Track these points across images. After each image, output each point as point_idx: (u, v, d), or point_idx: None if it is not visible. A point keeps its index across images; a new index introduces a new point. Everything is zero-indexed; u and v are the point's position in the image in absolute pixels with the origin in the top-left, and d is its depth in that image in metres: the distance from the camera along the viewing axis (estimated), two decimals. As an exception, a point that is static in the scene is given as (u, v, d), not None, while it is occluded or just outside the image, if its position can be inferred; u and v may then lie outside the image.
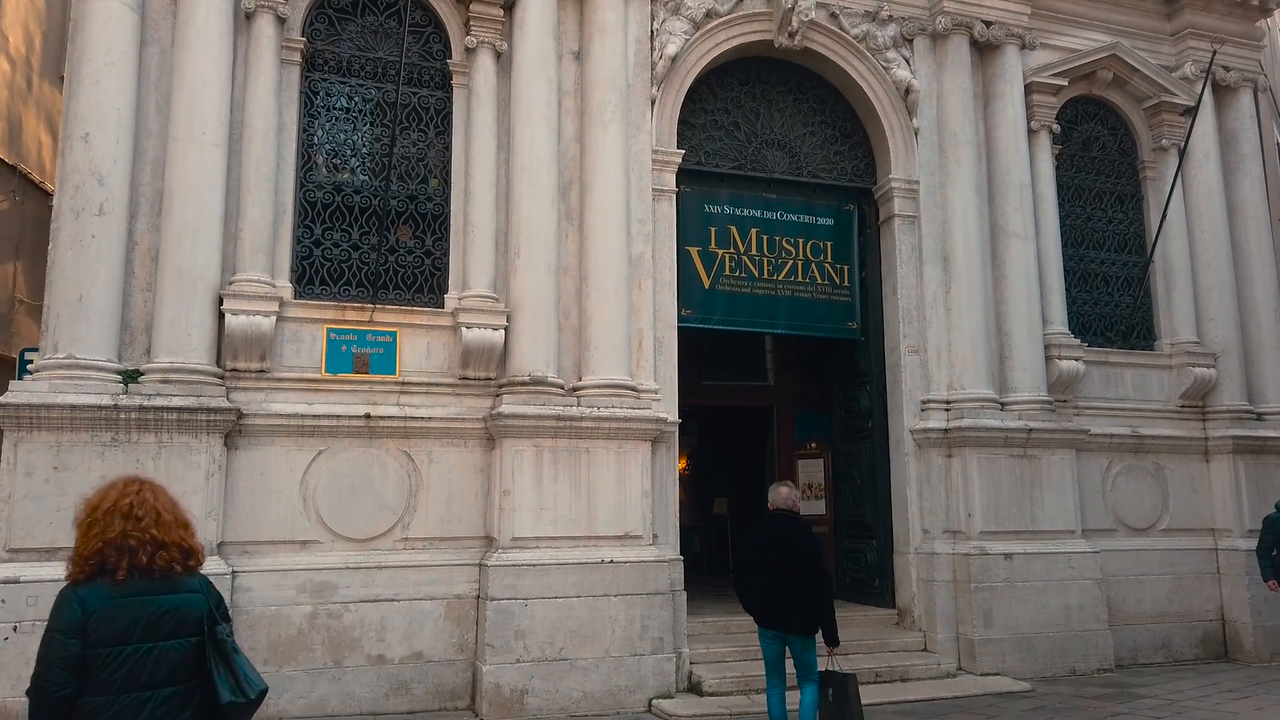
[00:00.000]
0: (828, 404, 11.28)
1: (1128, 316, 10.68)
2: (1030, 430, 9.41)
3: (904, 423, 9.63)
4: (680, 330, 9.10)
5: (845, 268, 10.21)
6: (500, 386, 8.10)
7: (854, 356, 10.49)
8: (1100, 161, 11.02)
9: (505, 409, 7.79)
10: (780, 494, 6.47)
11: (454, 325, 8.03)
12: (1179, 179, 10.55)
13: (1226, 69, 11.11)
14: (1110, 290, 10.80)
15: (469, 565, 7.77)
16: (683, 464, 17.12)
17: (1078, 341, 10.09)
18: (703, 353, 12.38)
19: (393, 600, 7.51)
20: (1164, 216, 10.36)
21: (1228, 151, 11.18)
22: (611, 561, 7.86)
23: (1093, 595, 9.33)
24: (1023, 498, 9.39)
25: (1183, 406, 10.58)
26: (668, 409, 8.64)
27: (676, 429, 8.72)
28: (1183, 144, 10.68)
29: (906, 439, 9.60)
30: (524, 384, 8.00)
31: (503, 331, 8.07)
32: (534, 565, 7.63)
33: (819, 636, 6.27)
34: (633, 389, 8.35)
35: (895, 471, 9.78)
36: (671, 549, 8.43)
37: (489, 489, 7.95)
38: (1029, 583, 9.13)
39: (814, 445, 11.85)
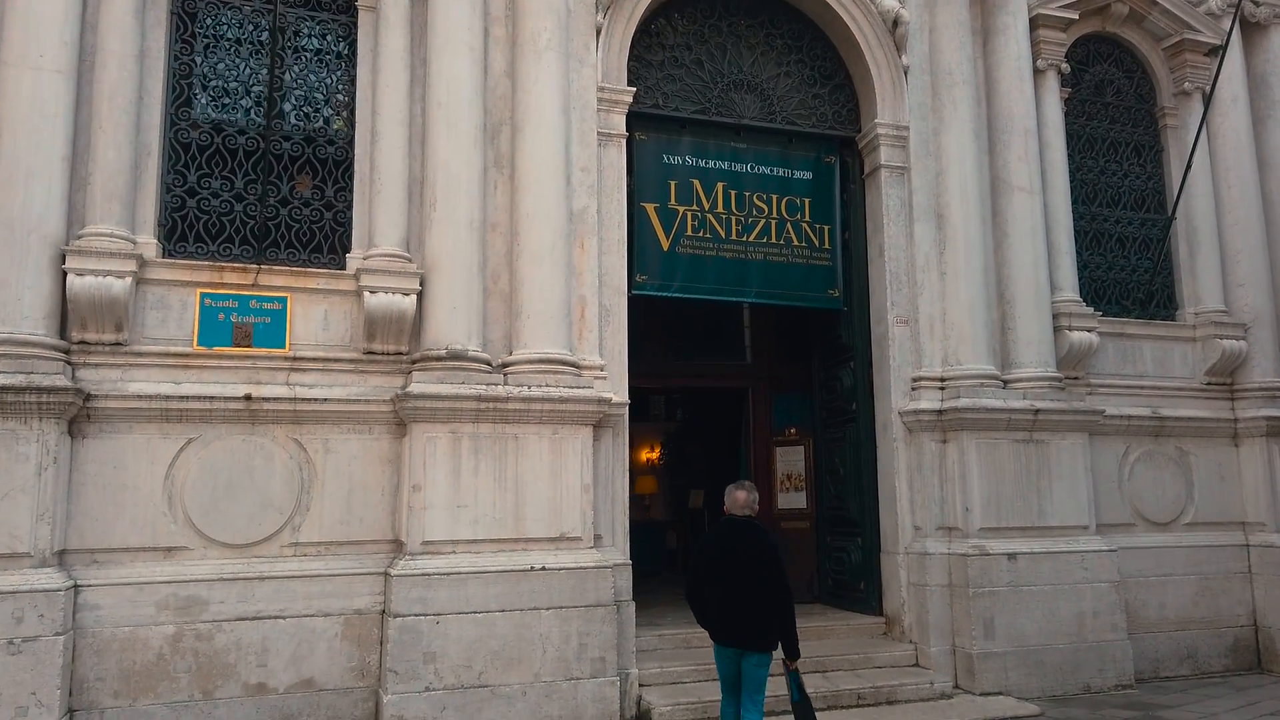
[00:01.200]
0: (809, 385, 10.03)
1: (1146, 283, 9.43)
2: (1037, 411, 8.16)
3: (892, 404, 8.39)
4: (637, 300, 7.90)
5: (825, 228, 8.94)
6: (413, 363, 6.85)
7: (836, 329, 9.24)
8: (1115, 108, 9.75)
9: (416, 388, 6.54)
10: (738, 499, 5.55)
11: (357, 289, 6.77)
12: (1204, 128, 9.30)
13: (1256, 4, 9.85)
14: (1126, 253, 9.54)
15: (373, 574, 6.53)
16: (656, 454, 15.94)
17: (1090, 310, 8.84)
18: (670, 328, 11.16)
19: (278, 618, 6.27)
20: (1187, 169, 9.09)
21: (1257, 97, 9.92)
22: (543, 568, 6.62)
23: (1109, 600, 8.11)
24: (1028, 489, 8.15)
25: (1209, 384, 9.34)
26: (615, 388, 7.40)
27: (626, 411, 7.48)
28: (1208, 88, 9.43)
29: (895, 422, 8.35)
30: (440, 359, 6.75)
31: (414, 297, 6.80)
32: (448, 574, 6.40)
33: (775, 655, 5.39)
34: (572, 365, 7.11)
35: (882, 460, 8.55)
36: (619, 552, 7.20)
37: (399, 484, 6.71)
38: (1036, 587, 7.91)
39: (793, 431, 10.62)
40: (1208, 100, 9.38)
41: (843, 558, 9.09)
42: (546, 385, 6.86)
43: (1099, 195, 9.53)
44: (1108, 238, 9.49)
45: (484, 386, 6.70)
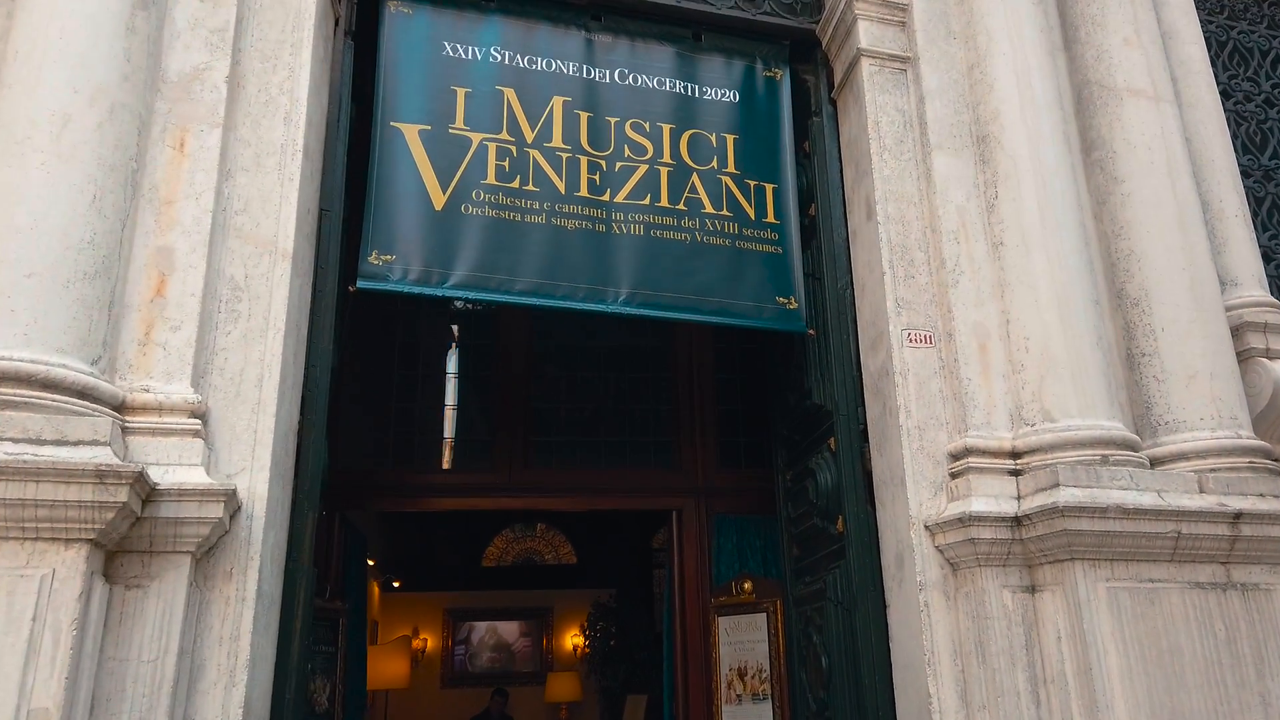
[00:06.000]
0: (769, 496, 5.58)
1: (1383, 284, 5.07)
2: (1238, 517, 3.64)
3: (910, 509, 3.88)
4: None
5: (768, 189, 4.79)
6: None
7: (800, 378, 4.89)
8: (1276, 4, 5.71)
9: None
10: None
11: None
12: None
13: None
14: (1334, 234, 5.24)
15: None
16: (581, 639, 10.98)
17: (1302, 320, 4.47)
18: (549, 398, 6.85)
19: None
20: None
21: None
22: None
23: None
24: (1239, 693, 3.51)
25: None
26: (235, 461, 3.08)
27: (255, 521, 3.09)
28: None
29: (920, 549, 3.82)
30: None
31: None
32: None
33: None
34: (76, 392, 2.83)
35: (898, 635, 3.97)
36: None
37: None
38: None
39: (748, 587, 6.02)
40: None
41: None
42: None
43: (1267, 139, 5.32)
44: (1295, 207, 5.21)
45: None
